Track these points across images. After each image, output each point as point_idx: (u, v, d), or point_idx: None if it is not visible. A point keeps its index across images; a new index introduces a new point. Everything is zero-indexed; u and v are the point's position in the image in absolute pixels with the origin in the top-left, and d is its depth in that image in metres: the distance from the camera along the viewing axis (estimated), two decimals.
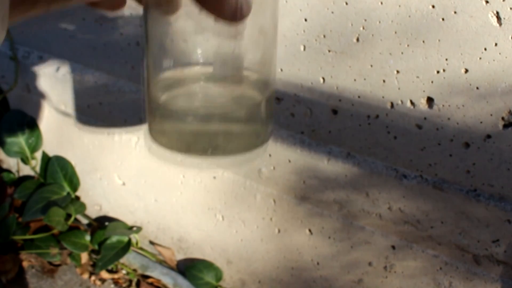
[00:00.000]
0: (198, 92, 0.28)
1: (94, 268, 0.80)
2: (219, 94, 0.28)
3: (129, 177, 0.78)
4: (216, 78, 0.28)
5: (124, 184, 0.79)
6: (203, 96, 0.28)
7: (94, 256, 0.81)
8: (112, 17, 0.69)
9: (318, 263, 0.63)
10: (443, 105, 0.47)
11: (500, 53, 0.42)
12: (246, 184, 0.66)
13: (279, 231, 0.65)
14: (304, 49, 0.53)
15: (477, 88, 0.45)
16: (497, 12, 0.41)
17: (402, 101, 0.50)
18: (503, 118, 0.45)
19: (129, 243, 0.77)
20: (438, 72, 0.46)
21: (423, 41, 0.46)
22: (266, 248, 0.67)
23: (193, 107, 0.28)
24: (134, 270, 0.79)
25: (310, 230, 0.62)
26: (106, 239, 0.77)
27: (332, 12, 0.50)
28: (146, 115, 0.31)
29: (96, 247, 0.79)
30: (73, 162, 0.83)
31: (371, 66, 0.50)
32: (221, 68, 0.28)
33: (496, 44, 0.42)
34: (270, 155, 0.62)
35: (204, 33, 0.27)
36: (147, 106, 0.30)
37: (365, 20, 0.48)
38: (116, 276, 0.80)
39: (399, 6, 0.45)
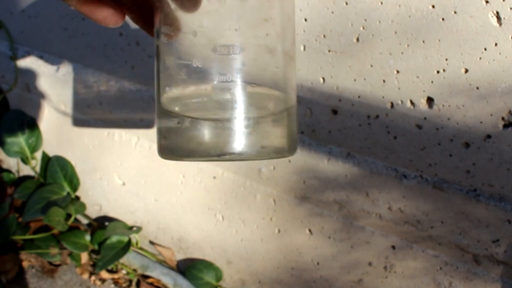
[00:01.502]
0: (212, 101, 0.29)
1: (94, 268, 0.80)
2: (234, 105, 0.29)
3: (129, 177, 0.78)
4: (229, 92, 0.28)
5: (124, 184, 0.79)
6: (217, 105, 0.29)
7: (94, 256, 0.81)
8: None
9: (318, 263, 0.63)
10: (443, 105, 0.47)
11: (500, 53, 0.42)
12: (246, 184, 0.66)
13: (279, 231, 0.65)
14: (304, 49, 0.53)
15: (477, 88, 0.45)
16: (497, 12, 0.41)
17: (402, 101, 0.50)
18: (503, 118, 0.45)
19: (129, 243, 0.77)
20: (438, 72, 0.46)
21: (423, 41, 0.46)
22: (266, 248, 0.67)
23: (207, 114, 0.29)
24: (134, 270, 0.80)
25: (310, 230, 0.62)
26: (106, 239, 0.77)
27: (332, 12, 0.50)
28: (158, 130, 0.31)
29: (96, 247, 0.79)
30: (73, 162, 0.83)
31: (371, 66, 0.50)
32: (233, 83, 0.28)
33: (496, 44, 0.42)
34: None
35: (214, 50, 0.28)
36: (160, 121, 0.30)
37: (365, 20, 0.48)
38: (116, 276, 0.80)
39: (399, 6, 0.45)
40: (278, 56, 0.30)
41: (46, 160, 0.84)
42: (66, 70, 0.79)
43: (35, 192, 0.81)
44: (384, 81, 0.50)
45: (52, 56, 0.80)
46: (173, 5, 0.28)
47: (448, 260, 0.54)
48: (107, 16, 0.28)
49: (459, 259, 0.53)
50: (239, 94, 0.28)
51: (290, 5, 0.31)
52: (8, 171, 0.92)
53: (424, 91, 0.48)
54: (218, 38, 0.28)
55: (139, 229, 0.79)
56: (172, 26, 0.28)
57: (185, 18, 0.28)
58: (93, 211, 0.85)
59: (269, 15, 0.29)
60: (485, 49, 0.43)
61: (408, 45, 0.47)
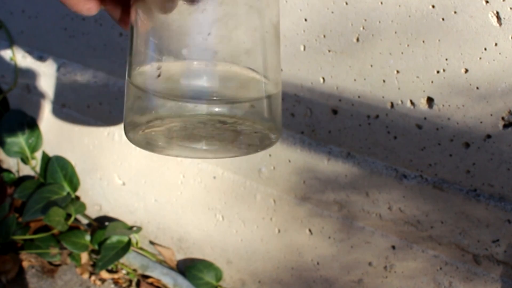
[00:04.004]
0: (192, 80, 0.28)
1: (94, 268, 0.80)
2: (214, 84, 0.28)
3: (129, 177, 0.78)
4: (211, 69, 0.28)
5: (124, 184, 0.79)
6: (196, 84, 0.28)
7: (94, 256, 0.81)
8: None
9: (318, 263, 0.63)
10: (443, 105, 0.47)
11: (500, 53, 0.42)
12: (246, 184, 0.66)
13: (279, 231, 0.65)
14: (304, 49, 0.53)
15: (477, 88, 0.45)
16: (497, 12, 0.41)
17: (402, 101, 0.50)
18: (503, 118, 0.45)
19: (129, 243, 0.77)
20: (438, 72, 0.46)
21: (423, 41, 0.46)
22: (266, 248, 0.67)
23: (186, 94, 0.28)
24: (134, 270, 0.80)
25: (310, 230, 0.62)
26: (106, 239, 0.77)
27: (332, 12, 0.50)
28: (127, 110, 0.30)
29: (96, 247, 0.79)
30: (73, 162, 0.83)
31: (371, 66, 0.50)
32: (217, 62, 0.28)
33: (496, 44, 0.42)
34: (270, 155, 0.62)
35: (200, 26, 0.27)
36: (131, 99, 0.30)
37: (365, 20, 0.48)
38: (116, 276, 0.80)
39: (399, 6, 0.45)
40: (268, 35, 0.30)
41: (46, 160, 0.84)
42: (66, 70, 0.79)
43: (35, 192, 0.81)
44: (384, 81, 0.50)
45: (52, 56, 0.80)
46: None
47: (448, 260, 0.54)
48: (80, 1, 0.28)
49: (459, 259, 0.53)
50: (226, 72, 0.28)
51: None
52: (8, 171, 0.92)
53: (424, 91, 0.48)
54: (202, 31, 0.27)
55: (139, 229, 0.79)
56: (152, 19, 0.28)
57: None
58: (93, 211, 0.85)
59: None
60: (485, 49, 0.43)
61: (408, 45, 0.47)
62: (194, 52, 0.27)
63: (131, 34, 0.30)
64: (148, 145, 0.31)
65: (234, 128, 0.29)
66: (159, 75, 0.28)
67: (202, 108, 0.27)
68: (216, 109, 0.27)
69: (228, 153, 0.34)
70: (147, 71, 0.28)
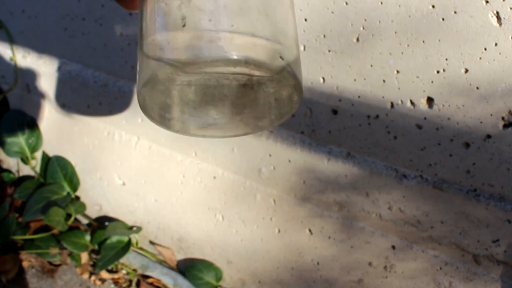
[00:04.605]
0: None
1: (94, 268, 0.80)
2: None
3: (129, 177, 0.78)
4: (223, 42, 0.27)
5: (124, 184, 0.79)
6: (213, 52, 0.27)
7: (94, 256, 0.81)
8: (112, 17, 0.69)
9: (318, 263, 0.63)
10: (443, 105, 0.47)
11: (500, 53, 0.42)
12: (246, 184, 0.66)
13: (279, 231, 0.65)
14: (304, 49, 0.53)
15: (477, 88, 0.45)
16: (497, 12, 0.41)
17: (402, 101, 0.50)
18: (503, 118, 0.45)
19: (129, 243, 0.77)
20: (438, 72, 0.46)
21: (423, 41, 0.46)
22: (266, 248, 0.67)
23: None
24: (134, 270, 0.79)
25: (310, 230, 0.62)
26: (106, 239, 0.77)
27: (332, 12, 0.50)
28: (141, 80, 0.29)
29: (96, 247, 0.79)
30: (73, 162, 0.83)
31: (371, 66, 0.50)
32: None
33: (496, 44, 0.42)
34: (270, 155, 0.62)
35: None
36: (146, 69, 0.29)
37: (365, 20, 0.48)
38: (116, 276, 0.80)
39: (399, 6, 0.45)
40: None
41: (46, 160, 0.84)
42: (66, 70, 0.79)
43: (35, 192, 0.81)
44: (384, 81, 0.50)
45: (52, 56, 0.80)
46: None
47: (448, 260, 0.54)
48: None
49: (459, 259, 0.53)
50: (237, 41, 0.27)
51: None
52: (8, 171, 0.92)
53: (424, 91, 0.48)
54: None
55: (139, 229, 0.79)
56: None
57: None
58: (93, 211, 0.85)
59: None
60: (485, 49, 0.43)
61: (408, 45, 0.47)
62: (214, 18, 0.27)
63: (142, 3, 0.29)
64: (160, 116, 0.30)
65: (256, 91, 0.29)
66: (183, 26, 0.26)
67: (228, 55, 0.26)
68: (240, 58, 0.26)
69: (243, 129, 0.33)
70: (166, 25, 0.27)
